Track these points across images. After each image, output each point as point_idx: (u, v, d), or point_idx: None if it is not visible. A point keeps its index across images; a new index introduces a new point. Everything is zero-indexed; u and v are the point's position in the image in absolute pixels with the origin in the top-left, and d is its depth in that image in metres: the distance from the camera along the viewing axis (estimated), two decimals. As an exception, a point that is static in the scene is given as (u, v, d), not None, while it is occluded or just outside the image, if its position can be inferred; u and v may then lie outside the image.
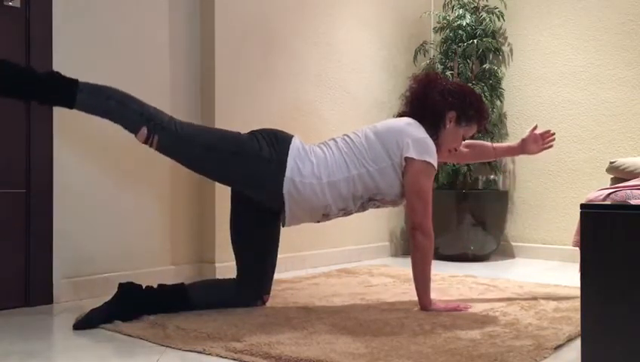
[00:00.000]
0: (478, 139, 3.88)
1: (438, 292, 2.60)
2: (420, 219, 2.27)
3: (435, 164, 2.30)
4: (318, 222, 2.36)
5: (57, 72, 2.07)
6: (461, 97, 2.39)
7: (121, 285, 2.16)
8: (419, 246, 2.27)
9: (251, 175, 2.19)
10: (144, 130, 2.08)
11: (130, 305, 2.11)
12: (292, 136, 2.28)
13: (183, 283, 2.29)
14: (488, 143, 2.75)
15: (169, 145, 2.14)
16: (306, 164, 2.20)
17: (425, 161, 2.25)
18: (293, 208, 2.21)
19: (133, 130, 2.10)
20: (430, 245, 2.28)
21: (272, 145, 2.20)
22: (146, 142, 2.11)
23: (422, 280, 2.29)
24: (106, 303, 2.12)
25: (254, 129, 2.31)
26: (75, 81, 2.05)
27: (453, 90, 2.39)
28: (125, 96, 2.11)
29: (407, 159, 2.25)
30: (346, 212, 2.32)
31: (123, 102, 2.09)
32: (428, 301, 2.28)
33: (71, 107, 2.06)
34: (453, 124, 2.38)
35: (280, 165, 2.17)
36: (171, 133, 2.12)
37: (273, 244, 2.36)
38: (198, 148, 2.16)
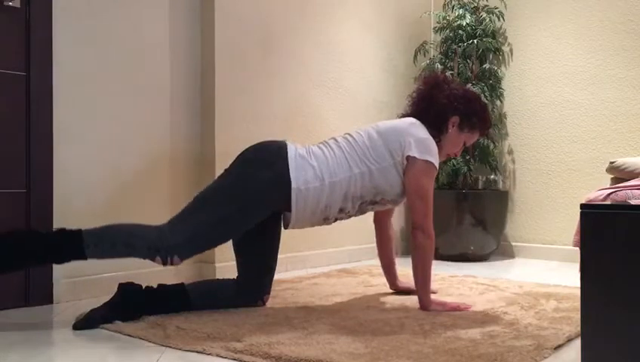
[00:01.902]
0: (479, 142, 3.90)
1: (438, 292, 2.61)
2: (421, 219, 2.27)
3: (437, 164, 2.30)
4: (321, 225, 2.37)
5: (61, 230, 2.08)
6: (466, 103, 2.40)
7: (121, 285, 2.16)
8: (419, 246, 2.27)
9: (266, 206, 2.21)
10: (158, 259, 2.11)
11: (130, 305, 2.11)
12: (285, 145, 2.26)
13: (182, 283, 2.29)
14: (389, 250, 2.66)
15: (187, 253, 2.15)
16: (308, 170, 2.20)
17: (427, 161, 2.26)
18: (299, 213, 2.22)
19: (149, 259, 2.12)
20: (431, 245, 2.28)
21: (269, 165, 2.19)
22: (165, 265, 2.13)
23: (422, 281, 2.28)
24: (105, 303, 2.12)
25: (242, 151, 2.30)
26: (79, 236, 2.04)
27: (460, 96, 2.41)
28: (128, 234, 2.11)
29: (409, 158, 2.25)
30: (345, 214, 2.32)
31: (127, 243, 2.09)
32: (428, 301, 2.28)
33: (85, 259, 2.08)
34: (456, 129, 2.40)
35: (284, 181, 2.17)
36: (181, 245, 2.12)
37: (274, 244, 2.36)
38: (211, 233, 2.16)
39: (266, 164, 2.19)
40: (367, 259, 3.82)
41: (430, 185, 2.29)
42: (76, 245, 2.03)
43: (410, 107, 2.48)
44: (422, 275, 2.28)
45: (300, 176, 2.18)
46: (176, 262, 2.12)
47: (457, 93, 2.41)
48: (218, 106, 3.05)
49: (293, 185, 2.17)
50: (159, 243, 2.09)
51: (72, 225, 2.53)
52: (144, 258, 2.12)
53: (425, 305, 2.28)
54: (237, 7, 3.15)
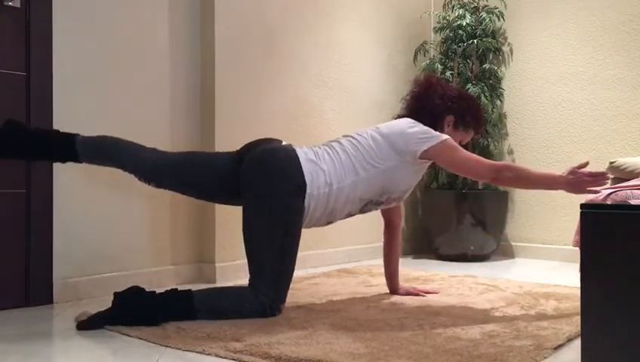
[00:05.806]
0: (478, 142, 3.90)
1: (440, 293, 2.62)
2: (487, 172, 2.27)
3: (447, 135, 2.32)
4: (323, 226, 2.38)
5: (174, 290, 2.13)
6: (459, 102, 2.45)
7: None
8: (512, 183, 2.35)
9: (299, 213, 2.20)
10: (270, 315, 2.15)
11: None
12: (293, 149, 2.24)
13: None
14: (396, 256, 2.70)
15: (284, 295, 2.19)
16: (320, 174, 2.21)
17: (440, 142, 2.27)
18: (306, 217, 2.22)
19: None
20: (515, 173, 2.26)
21: (284, 172, 2.17)
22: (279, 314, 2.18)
23: (542, 185, 2.36)
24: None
25: (248, 162, 2.23)
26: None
27: (453, 96, 2.45)
28: (234, 309, 2.14)
29: (425, 153, 2.26)
30: (349, 216, 2.34)
31: (236, 311, 2.14)
32: (559, 178, 2.25)
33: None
34: (451, 128, 2.44)
35: (300, 186, 2.17)
36: (276, 294, 2.15)
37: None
38: (287, 267, 2.18)
39: (281, 175, 2.17)
40: (367, 259, 3.82)
41: (462, 151, 2.28)
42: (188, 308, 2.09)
43: (404, 109, 2.51)
44: (537, 185, 2.39)
45: (311, 180, 2.18)
46: (283, 308, 2.18)
47: (450, 93, 2.46)
48: (218, 106, 3.05)
49: (308, 190, 2.17)
50: (261, 306, 2.12)
51: (71, 224, 2.54)
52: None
53: (561, 181, 2.24)
54: (237, 7, 3.14)
